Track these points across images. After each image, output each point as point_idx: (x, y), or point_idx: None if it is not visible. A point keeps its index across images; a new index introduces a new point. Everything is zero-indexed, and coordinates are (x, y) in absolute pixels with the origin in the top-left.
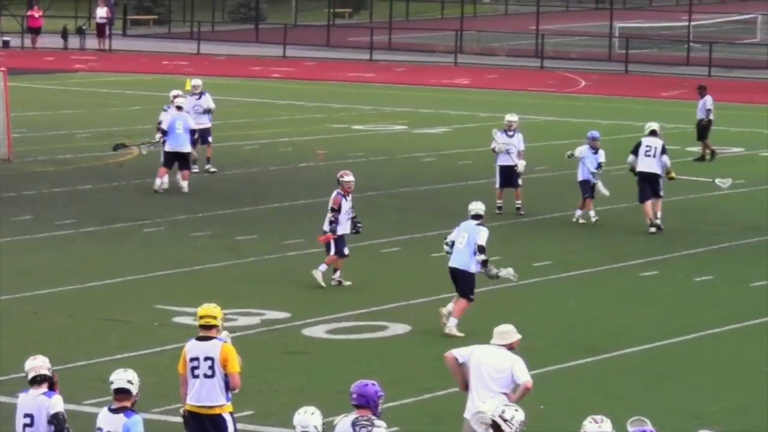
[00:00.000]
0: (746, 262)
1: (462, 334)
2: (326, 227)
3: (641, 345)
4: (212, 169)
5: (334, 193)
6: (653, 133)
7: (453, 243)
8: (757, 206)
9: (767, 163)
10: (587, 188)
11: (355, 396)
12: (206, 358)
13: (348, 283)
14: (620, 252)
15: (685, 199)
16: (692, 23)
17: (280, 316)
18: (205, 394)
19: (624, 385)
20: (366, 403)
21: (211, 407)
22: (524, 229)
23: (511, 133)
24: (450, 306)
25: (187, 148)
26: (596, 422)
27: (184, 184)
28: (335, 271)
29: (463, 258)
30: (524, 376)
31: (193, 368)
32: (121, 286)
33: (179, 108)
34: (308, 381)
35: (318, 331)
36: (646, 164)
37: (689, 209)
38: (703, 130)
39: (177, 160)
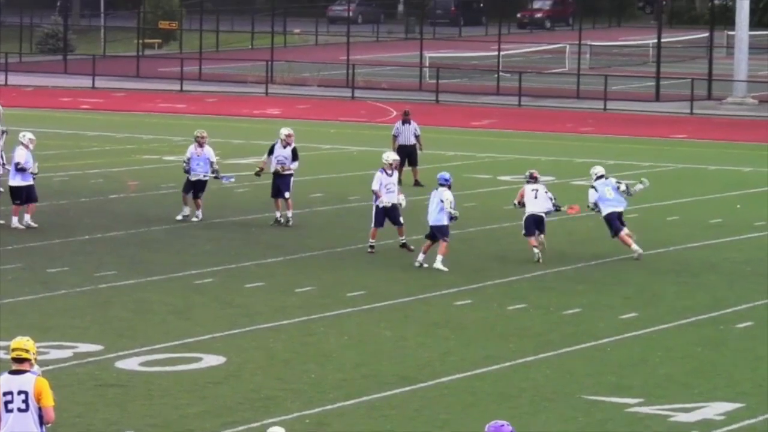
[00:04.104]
0: (558, 290)
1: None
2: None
3: (456, 374)
4: None
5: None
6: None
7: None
8: (568, 234)
9: (577, 191)
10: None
11: None
12: (20, 392)
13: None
14: (434, 281)
15: (498, 227)
16: (502, 53)
17: (92, 348)
18: (18, 429)
19: (440, 414)
20: None
21: None
22: (338, 259)
23: (390, 172)
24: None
25: None
26: None
27: None
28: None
29: (620, 200)
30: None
31: (7, 402)
32: None
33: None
34: (122, 414)
35: (131, 364)
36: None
37: (504, 237)
38: (412, 154)
39: None
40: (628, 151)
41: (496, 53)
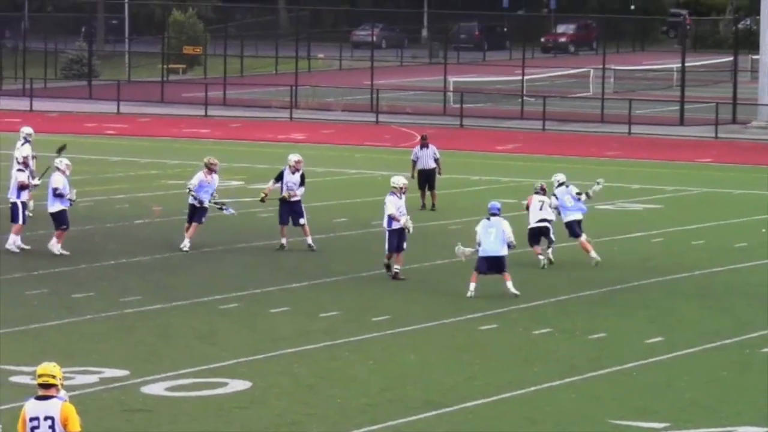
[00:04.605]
0: (584, 315)
1: None
2: None
3: (481, 398)
4: None
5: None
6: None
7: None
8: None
9: (602, 216)
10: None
11: None
12: (46, 418)
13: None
14: (459, 306)
15: (523, 252)
16: (526, 77)
17: (118, 374)
18: None
19: None
20: None
21: None
22: (362, 284)
23: (400, 196)
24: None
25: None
26: None
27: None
28: None
29: (579, 207)
30: None
31: (33, 428)
32: None
33: (56, 168)
34: None
35: (157, 389)
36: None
37: (529, 261)
38: (431, 178)
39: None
40: (653, 175)
41: (520, 77)
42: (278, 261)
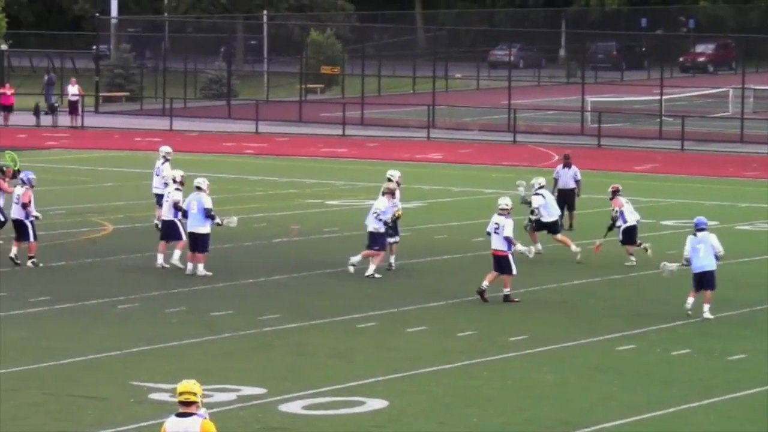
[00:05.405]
0: (723, 336)
1: None
2: None
3: (618, 419)
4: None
5: None
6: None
7: None
8: (733, 280)
9: (741, 236)
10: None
11: None
12: None
13: None
14: (596, 326)
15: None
16: (664, 97)
17: (256, 392)
18: None
19: None
20: None
21: None
22: (498, 304)
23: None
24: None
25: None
26: None
27: (198, 267)
28: None
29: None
30: None
31: None
32: (96, 363)
33: (198, 188)
34: None
35: (295, 407)
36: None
37: (669, 281)
38: (570, 199)
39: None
40: None
41: (658, 97)
42: (415, 281)
